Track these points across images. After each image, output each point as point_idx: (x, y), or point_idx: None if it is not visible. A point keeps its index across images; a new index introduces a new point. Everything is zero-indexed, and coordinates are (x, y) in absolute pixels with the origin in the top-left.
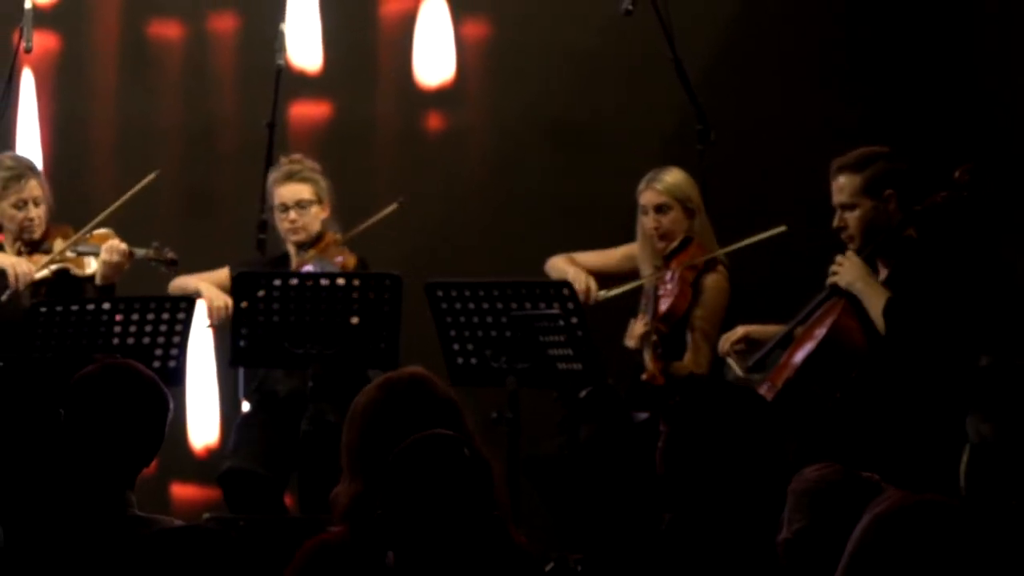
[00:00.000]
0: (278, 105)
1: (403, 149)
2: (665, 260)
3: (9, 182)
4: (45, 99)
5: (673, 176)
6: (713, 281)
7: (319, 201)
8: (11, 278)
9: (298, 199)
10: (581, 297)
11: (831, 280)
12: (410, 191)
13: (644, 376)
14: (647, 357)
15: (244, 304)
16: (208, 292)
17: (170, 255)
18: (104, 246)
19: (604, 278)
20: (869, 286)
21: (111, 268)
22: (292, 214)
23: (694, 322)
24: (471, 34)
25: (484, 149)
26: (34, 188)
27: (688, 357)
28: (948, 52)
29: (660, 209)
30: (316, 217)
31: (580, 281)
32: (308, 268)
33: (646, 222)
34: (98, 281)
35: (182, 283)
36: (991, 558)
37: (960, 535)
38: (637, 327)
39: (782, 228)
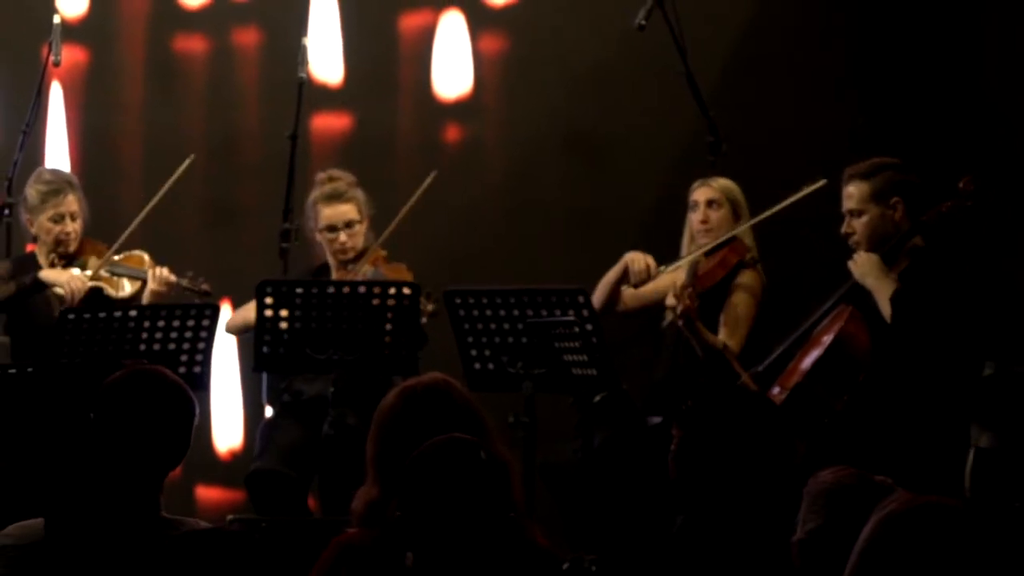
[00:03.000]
0: (300, 117)
1: (422, 160)
2: (706, 256)
3: (48, 196)
4: (73, 112)
5: (727, 180)
6: (751, 276)
7: (362, 218)
8: (67, 294)
9: (347, 220)
10: (641, 276)
11: (849, 267)
12: (429, 201)
13: (679, 309)
14: (683, 295)
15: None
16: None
17: (204, 286)
18: (154, 277)
19: (650, 307)
20: (879, 280)
21: (158, 297)
22: (342, 235)
23: (730, 306)
24: (488, 48)
25: (501, 160)
26: (71, 203)
27: (723, 332)
28: (955, 66)
29: (710, 204)
30: (361, 234)
31: (638, 260)
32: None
33: (694, 217)
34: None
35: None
36: (994, 559)
37: (964, 536)
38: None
39: (822, 182)
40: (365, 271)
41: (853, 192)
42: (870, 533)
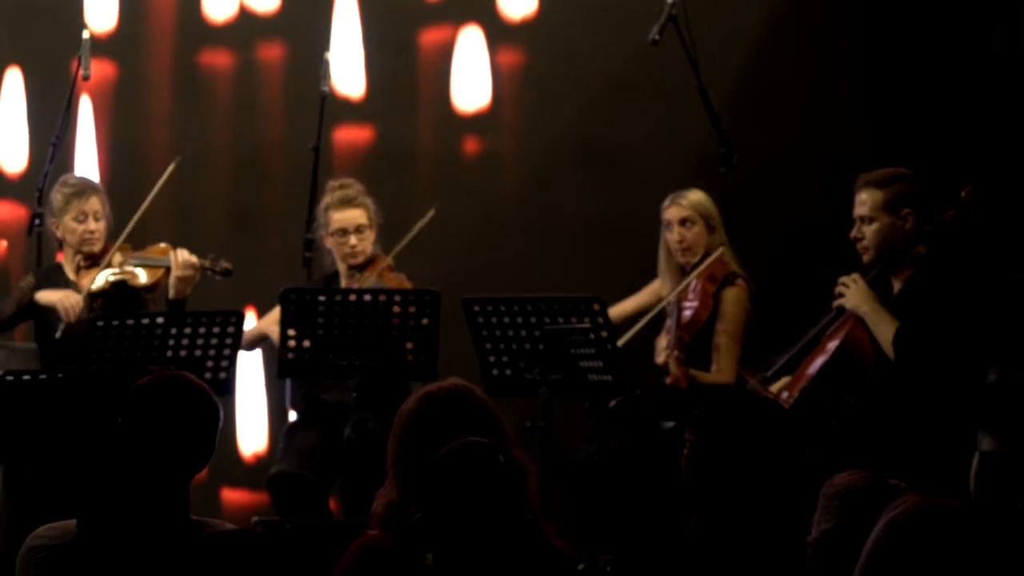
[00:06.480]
0: (323, 130)
1: (441, 172)
2: (686, 274)
3: (71, 197)
4: (102, 124)
5: (696, 194)
6: (733, 294)
7: (372, 224)
8: (61, 312)
9: (357, 224)
10: None
11: (837, 303)
12: (448, 212)
13: (668, 380)
14: (671, 363)
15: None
16: (269, 328)
17: (225, 265)
18: (175, 262)
19: (637, 318)
20: (875, 311)
21: (185, 282)
22: (352, 239)
23: (717, 336)
24: (506, 62)
25: (518, 172)
26: (95, 203)
27: (714, 369)
28: (959, 77)
29: (684, 223)
30: (370, 240)
31: None
32: None
33: (670, 237)
34: (171, 295)
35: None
36: (998, 560)
37: (969, 538)
38: (662, 340)
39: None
40: (369, 279)
41: (866, 199)
42: (878, 535)
